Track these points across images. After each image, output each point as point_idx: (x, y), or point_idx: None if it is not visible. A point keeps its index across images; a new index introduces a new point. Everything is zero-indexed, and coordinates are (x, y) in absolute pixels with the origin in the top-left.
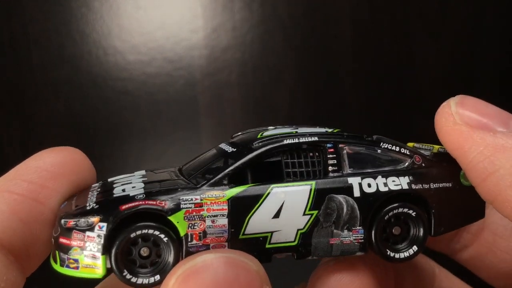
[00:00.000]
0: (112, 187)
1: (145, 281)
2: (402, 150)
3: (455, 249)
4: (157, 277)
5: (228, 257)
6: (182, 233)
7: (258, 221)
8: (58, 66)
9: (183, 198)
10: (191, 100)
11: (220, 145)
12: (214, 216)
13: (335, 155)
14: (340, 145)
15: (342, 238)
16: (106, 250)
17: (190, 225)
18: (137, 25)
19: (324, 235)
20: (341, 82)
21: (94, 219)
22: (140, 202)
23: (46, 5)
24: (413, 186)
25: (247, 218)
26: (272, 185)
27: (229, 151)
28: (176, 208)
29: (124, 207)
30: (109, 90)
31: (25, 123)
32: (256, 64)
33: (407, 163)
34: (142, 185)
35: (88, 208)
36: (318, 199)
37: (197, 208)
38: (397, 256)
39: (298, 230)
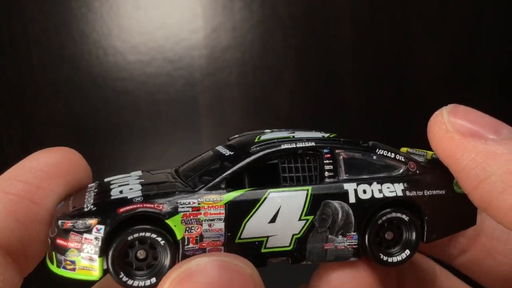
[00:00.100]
0: (109, 188)
1: (141, 283)
2: (397, 157)
3: (452, 255)
4: (153, 279)
5: (222, 261)
6: (179, 237)
7: (255, 226)
8: (58, 66)
9: (180, 202)
10: (191, 100)
11: (217, 148)
12: (211, 220)
13: (331, 161)
14: (337, 151)
15: (336, 244)
16: (103, 252)
17: (187, 228)
18: (137, 25)
19: (319, 240)
20: (341, 82)
21: (92, 221)
22: (138, 205)
23: (46, 5)
24: (408, 193)
25: (244, 223)
26: (269, 190)
27: (226, 154)
28: (174, 212)
29: (122, 209)
30: (109, 90)
31: (25, 123)
32: (256, 64)
33: (401, 170)
34: (140, 187)
35: (85, 209)
36: (314, 205)
37: (194, 212)
38: (389, 260)
39: (293, 235)
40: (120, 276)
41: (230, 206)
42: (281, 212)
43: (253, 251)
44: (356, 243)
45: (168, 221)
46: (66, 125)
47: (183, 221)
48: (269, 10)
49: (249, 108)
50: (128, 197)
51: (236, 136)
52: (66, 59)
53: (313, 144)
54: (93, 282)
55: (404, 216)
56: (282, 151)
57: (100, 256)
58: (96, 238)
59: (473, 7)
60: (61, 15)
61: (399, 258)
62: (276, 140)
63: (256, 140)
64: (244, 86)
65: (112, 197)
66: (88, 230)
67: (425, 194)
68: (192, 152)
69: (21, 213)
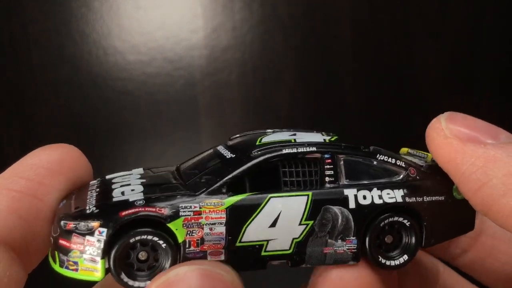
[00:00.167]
0: (111, 188)
1: (142, 284)
2: (398, 162)
3: (454, 255)
4: None
5: (203, 269)
6: (180, 240)
7: (255, 230)
8: (58, 66)
9: (182, 206)
10: (191, 100)
11: (218, 148)
12: (212, 224)
13: (332, 166)
14: (338, 156)
15: (335, 248)
16: (105, 254)
17: (189, 232)
18: (137, 25)
19: (318, 244)
20: (341, 82)
21: (94, 223)
22: (140, 209)
23: (46, 5)
24: (407, 199)
25: (244, 227)
26: (270, 195)
27: (228, 156)
28: (175, 216)
29: (124, 213)
30: (109, 90)
31: (25, 123)
32: (256, 64)
33: (402, 176)
34: (141, 188)
35: (88, 211)
36: (314, 210)
37: (196, 216)
38: (388, 263)
39: (293, 239)
40: (121, 277)
41: (231, 211)
42: (282, 217)
43: (253, 254)
44: (355, 248)
45: (169, 225)
46: (66, 125)
47: (184, 225)
48: (269, 10)
49: (249, 108)
50: (130, 200)
51: (237, 135)
52: (66, 59)
53: (314, 149)
54: (94, 282)
55: (405, 221)
56: (283, 156)
57: (102, 258)
58: (98, 241)
59: (473, 7)
60: (61, 15)
61: (397, 262)
62: (277, 144)
63: (257, 143)
64: (244, 86)
65: (114, 199)
66: (91, 232)
67: (425, 200)
68: (192, 152)
69: (24, 209)
